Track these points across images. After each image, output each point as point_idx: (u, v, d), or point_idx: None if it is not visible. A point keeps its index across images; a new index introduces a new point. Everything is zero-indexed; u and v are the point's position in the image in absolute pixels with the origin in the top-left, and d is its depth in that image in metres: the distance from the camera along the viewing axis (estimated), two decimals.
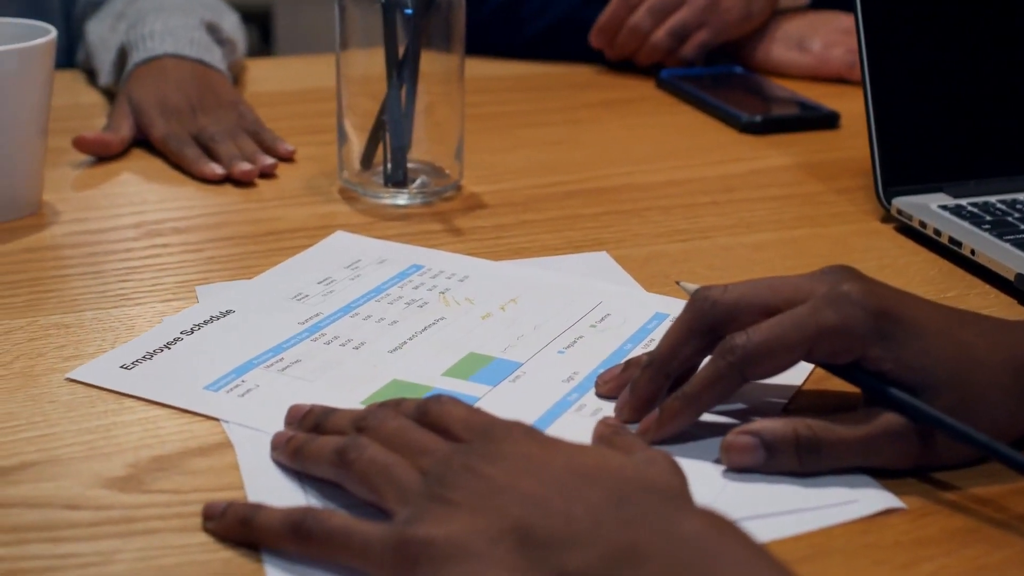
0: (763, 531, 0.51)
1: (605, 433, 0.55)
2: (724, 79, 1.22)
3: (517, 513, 0.46)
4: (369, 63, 0.87)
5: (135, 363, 0.64)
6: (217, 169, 0.92)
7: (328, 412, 0.56)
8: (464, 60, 0.90)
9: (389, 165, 0.89)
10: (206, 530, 0.51)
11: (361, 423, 0.54)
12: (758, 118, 1.08)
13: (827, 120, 1.09)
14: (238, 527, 0.50)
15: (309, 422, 0.56)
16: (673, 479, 0.49)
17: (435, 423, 0.53)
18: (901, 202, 0.85)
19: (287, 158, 0.97)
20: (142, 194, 0.91)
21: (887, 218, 0.87)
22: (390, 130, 0.88)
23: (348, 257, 0.79)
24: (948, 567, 0.50)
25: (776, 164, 1.00)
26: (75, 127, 0.98)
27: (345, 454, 0.52)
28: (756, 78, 1.22)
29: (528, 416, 0.60)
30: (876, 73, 0.88)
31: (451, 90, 0.90)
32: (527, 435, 0.51)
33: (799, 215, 0.88)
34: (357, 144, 0.90)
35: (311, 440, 0.54)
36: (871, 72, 0.88)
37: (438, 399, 0.54)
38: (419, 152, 0.90)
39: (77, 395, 0.62)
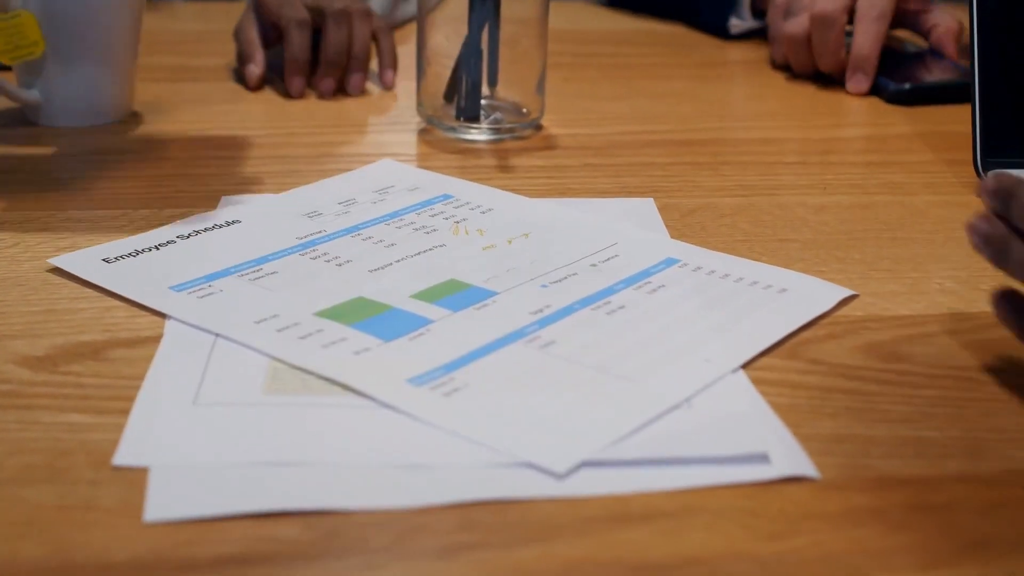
0: (647, 480, 0.47)
1: None
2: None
3: None
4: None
5: (118, 259, 0.65)
6: (294, 88, 0.94)
7: None
8: None
9: (463, 100, 0.87)
10: None
11: None
12: (907, 86, 0.99)
13: None
14: None
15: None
16: None
17: None
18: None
19: (387, 87, 0.97)
20: (227, 113, 0.92)
21: None
22: (463, 65, 0.86)
23: (382, 183, 0.77)
24: (821, 543, 0.44)
25: (896, 131, 0.93)
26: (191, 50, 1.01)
27: None
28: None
29: (474, 342, 0.57)
30: (986, 36, 0.79)
31: (534, 29, 0.87)
32: None
33: (886, 182, 0.81)
34: (435, 78, 0.88)
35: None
36: (980, 35, 0.80)
37: None
38: (504, 90, 0.88)
39: (48, 282, 0.63)
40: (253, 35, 0.98)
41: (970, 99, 0.80)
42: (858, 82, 1.01)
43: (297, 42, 0.95)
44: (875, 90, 1.02)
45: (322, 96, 0.95)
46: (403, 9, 1.20)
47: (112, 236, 0.68)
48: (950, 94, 0.99)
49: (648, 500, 0.46)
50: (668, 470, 0.48)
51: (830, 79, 1.04)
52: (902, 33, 1.12)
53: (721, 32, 1.19)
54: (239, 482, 0.46)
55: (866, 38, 1.00)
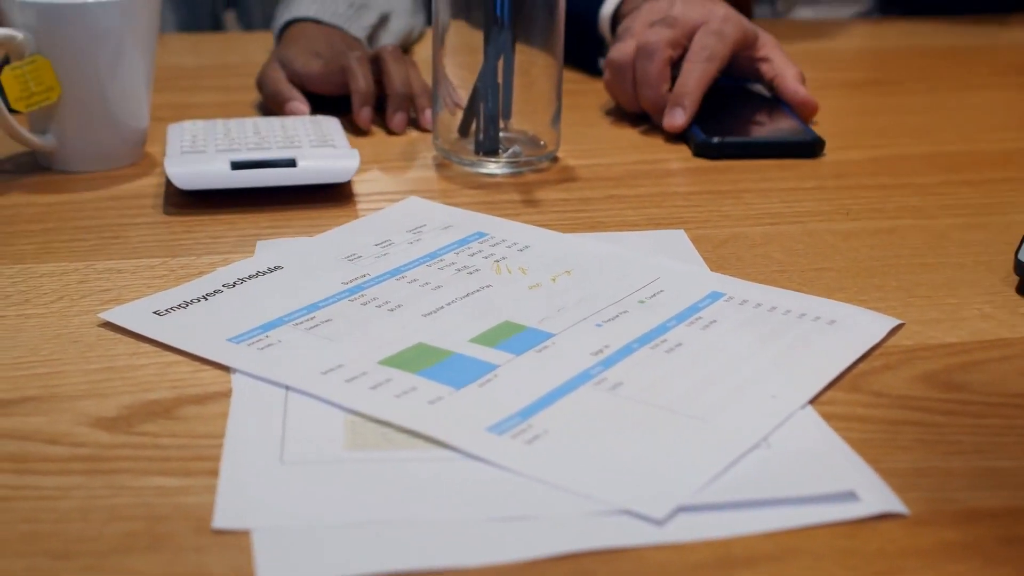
0: (745, 523, 0.47)
1: None
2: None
3: None
4: (467, 32, 0.86)
5: (168, 311, 0.65)
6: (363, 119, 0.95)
7: None
8: (563, 29, 0.87)
9: (481, 134, 0.87)
10: None
11: None
12: (715, 140, 0.91)
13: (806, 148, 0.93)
14: None
15: None
16: None
17: None
18: None
19: (426, 128, 0.97)
20: None
21: None
22: (482, 98, 0.86)
23: (413, 221, 0.78)
24: None
25: (900, 152, 0.94)
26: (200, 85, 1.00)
27: None
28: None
29: (543, 387, 0.57)
30: None
31: (549, 60, 0.87)
32: None
33: (904, 205, 0.83)
34: (451, 112, 0.89)
35: None
36: None
37: None
38: (518, 122, 0.89)
39: (102, 337, 0.62)
40: (284, 79, 0.99)
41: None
42: (673, 116, 0.94)
43: (362, 75, 0.96)
44: (687, 140, 0.95)
45: (395, 131, 0.96)
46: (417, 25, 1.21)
47: (155, 286, 0.68)
48: (765, 151, 0.92)
49: (749, 543, 0.47)
50: (762, 512, 0.49)
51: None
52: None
53: (594, 71, 1.14)
54: (345, 543, 0.46)
55: (690, 77, 0.94)
